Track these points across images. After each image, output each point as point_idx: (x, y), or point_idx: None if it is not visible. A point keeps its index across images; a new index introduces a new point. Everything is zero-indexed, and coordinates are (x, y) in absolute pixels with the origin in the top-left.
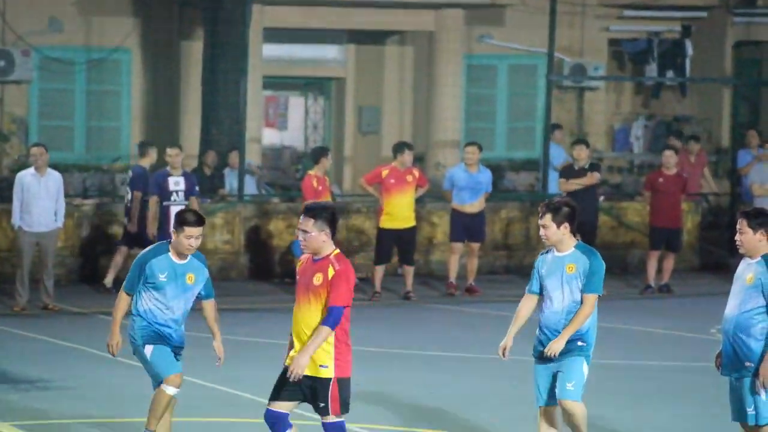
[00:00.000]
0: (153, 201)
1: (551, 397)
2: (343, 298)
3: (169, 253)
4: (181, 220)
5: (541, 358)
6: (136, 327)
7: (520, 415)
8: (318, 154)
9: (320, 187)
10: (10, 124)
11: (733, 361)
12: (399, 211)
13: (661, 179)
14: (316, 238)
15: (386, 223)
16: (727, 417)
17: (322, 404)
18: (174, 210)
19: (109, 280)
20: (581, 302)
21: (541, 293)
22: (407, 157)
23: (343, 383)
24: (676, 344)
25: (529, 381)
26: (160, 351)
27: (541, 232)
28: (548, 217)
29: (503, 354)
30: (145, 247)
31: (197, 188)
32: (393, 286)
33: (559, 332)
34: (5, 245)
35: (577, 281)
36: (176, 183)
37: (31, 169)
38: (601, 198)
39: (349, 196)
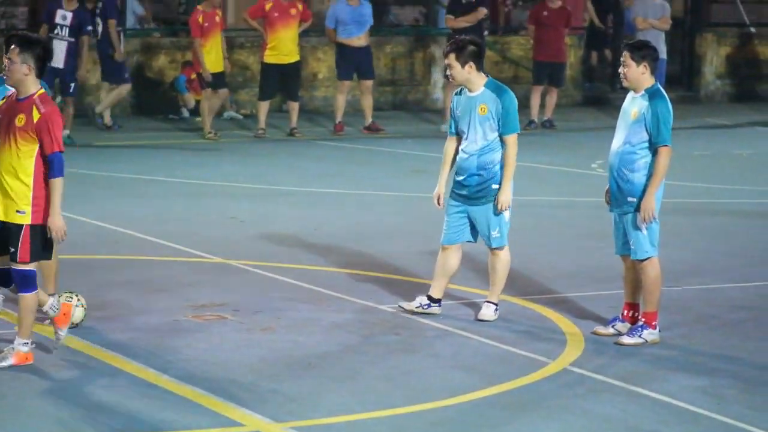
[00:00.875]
0: (42, 29)
1: (457, 236)
2: (59, 143)
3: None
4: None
5: (457, 198)
6: None
7: (412, 250)
8: None
9: (206, 24)
10: None
11: (617, 196)
12: (283, 45)
13: (545, 12)
14: (18, 69)
15: (270, 57)
16: (610, 250)
17: (12, 249)
18: (55, 44)
19: (103, 113)
20: (501, 144)
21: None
22: None
23: (37, 230)
24: (558, 179)
25: (420, 216)
26: None
27: (447, 71)
28: (452, 56)
29: (438, 202)
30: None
31: (90, 28)
32: (278, 123)
33: (475, 173)
34: None
35: (490, 122)
36: (63, 17)
37: None
38: (486, 33)
39: (232, 31)
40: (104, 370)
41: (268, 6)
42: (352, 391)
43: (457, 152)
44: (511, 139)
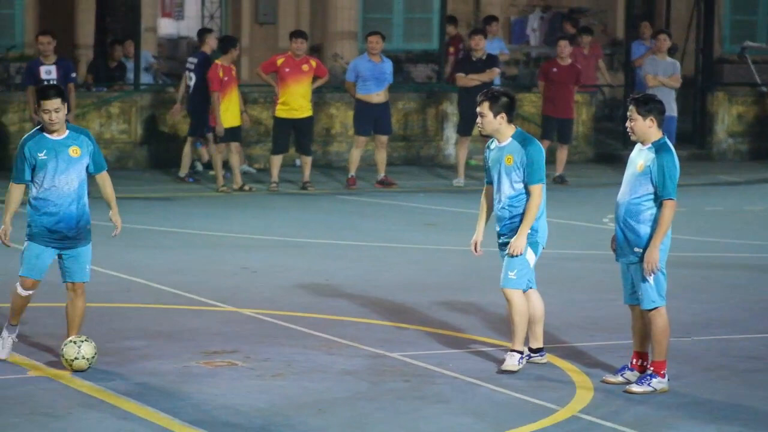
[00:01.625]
0: (29, 91)
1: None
2: None
3: (44, 133)
4: (38, 97)
5: (500, 247)
6: (28, 219)
7: (423, 301)
8: (226, 45)
9: (226, 78)
10: None
11: (623, 246)
12: (294, 100)
13: (554, 69)
14: None
15: (282, 112)
16: (620, 301)
17: None
18: None
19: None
20: (526, 193)
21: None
22: (297, 45)
23: None
24: (570, 233)
25: (431, 268)
26: (31, 250)
27: (478, 120)
28: (486, 105)
29: (475, 249)
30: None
31: (74, 75)
32: (291, 177)
33: (506, 222)
34: None
35: (516, 173)
36: (48, 72)
37: None
38: None
39: (246, 87)
40: (116, 414)
41: (279, 61)
42: None
43: (491, 200)
44: (536, 189)
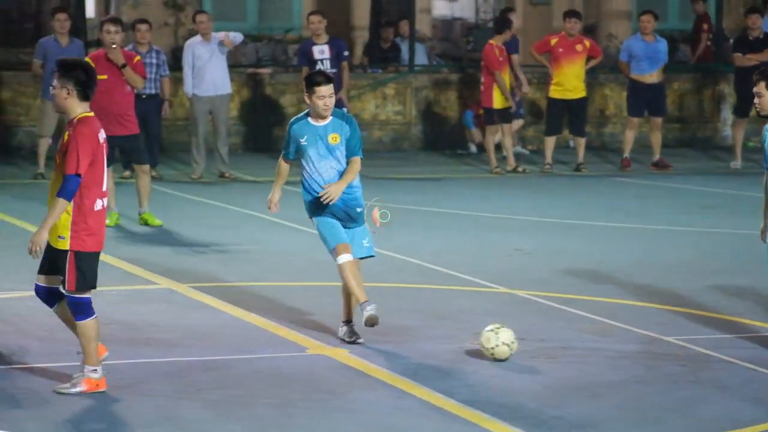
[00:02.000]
0: (303, 72)
1: None
2: (72, 166)
3: (309, 118)
4: (310, 82)
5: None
6: (303, 198)
7: (698, 285)
8: (501, 25)
9: (501, 57)
10: None
11: None
12: (568, 80)
13: None
14: (58, 94)
15: (555, 93)
16: None
17: (61, 277)
18: None
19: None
20: None
21: None
22: (571, 24)
23: (81, 257)
24: None
25: (707, 252)
26: (323, 223)
27: (756, 100)
28: (762, 85)
29: (763, 237)
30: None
31: (347, 53)
32: (565, 158)
33: None
34: (182, 114)
35: None
36: (321, 51)
37: (198, 37)
38: None
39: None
40: (392, 393)
41: (553, 41)
42: (637, 420)
43: None
44: None
